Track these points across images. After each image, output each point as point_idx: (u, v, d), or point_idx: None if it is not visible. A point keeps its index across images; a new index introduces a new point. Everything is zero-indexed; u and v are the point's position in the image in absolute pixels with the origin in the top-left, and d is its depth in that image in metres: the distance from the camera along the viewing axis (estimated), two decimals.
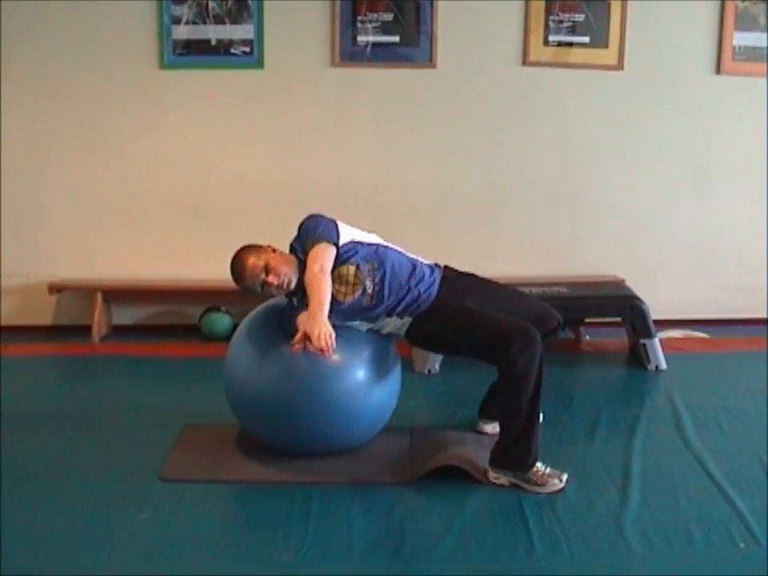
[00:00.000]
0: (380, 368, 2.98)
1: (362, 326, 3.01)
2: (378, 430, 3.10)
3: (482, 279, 3.19)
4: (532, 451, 2.78)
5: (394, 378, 3.08)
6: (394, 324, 3.01)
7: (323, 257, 2.84)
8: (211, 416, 3.39)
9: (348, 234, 2.99)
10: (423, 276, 3.02)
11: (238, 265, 2.92)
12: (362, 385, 2.91)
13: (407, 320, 2.99)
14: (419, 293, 2.97)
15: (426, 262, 3.13)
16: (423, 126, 4.87)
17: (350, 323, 2.97)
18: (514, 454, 2.78)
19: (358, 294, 2.91)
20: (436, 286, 3.02)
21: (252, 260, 2.88)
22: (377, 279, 2.93)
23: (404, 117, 4.86)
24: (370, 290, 2.92)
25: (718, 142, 4.98)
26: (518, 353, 2.72)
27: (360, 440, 3.06)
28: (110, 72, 4.71)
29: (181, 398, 3.76)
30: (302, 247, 2.93)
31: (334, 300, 2.85)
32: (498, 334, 2.79)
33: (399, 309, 2.96)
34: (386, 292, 2.93)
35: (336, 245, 2.90)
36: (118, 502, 2.69)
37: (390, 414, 3.12)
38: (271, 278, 2.86)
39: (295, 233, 3.00)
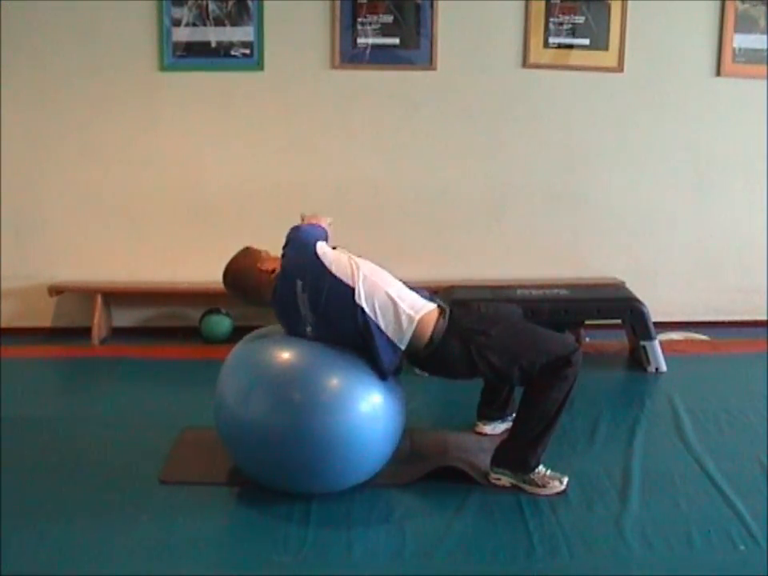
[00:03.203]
0: (382, 399, 2.73)
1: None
2: (380, 467, 2.83)
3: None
4: (537, 453, 2.78)
5: (398, 409, 2.82)
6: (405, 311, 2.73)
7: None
8: (211, 418, 3.38)
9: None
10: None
11: (232, 259, 2.92)
12: (363, 418, 2.67)
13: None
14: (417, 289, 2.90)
15: None
16: (423, 127, 4.87)
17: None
18: (520, 455, 2.78)
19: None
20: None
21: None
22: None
23: (404, 119, 4.86)
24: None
25: (718, 144, 4.98)
26: (574, 366, 2.71)
27: (360, 479, 2.79)
28: (109, 74, 4.71)
29: (181, 400, 3.76)
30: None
31: None
32: (563, 349, 2.74)
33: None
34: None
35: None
36: (117, 505, 2.69)
37: (394, 449, 2.86)
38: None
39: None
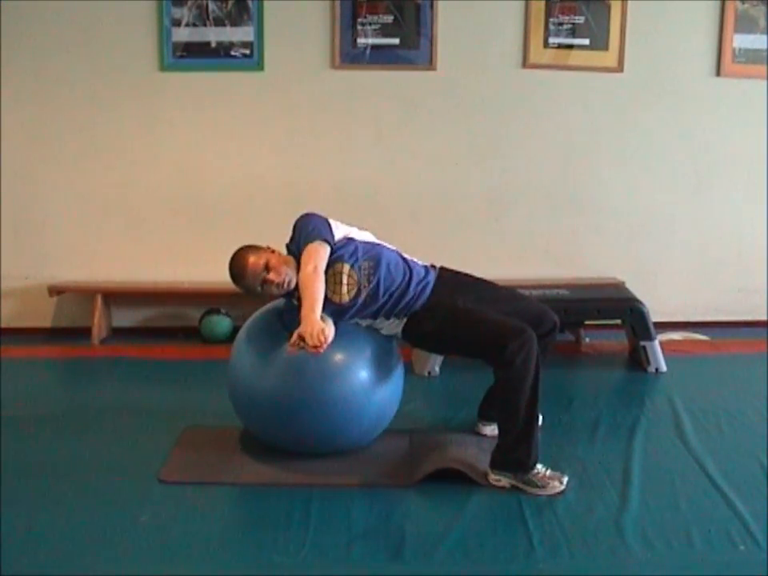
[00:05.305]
0: (382, 368, 2.99)
1: (361, 322, 3.02)
2: (381, 429, 3.11)
3: (479, 279, 3.18)
4: (532, 453, 2.78)
5: (397, 378, 3.09)
6: (390, 325, 3.02)
7: (316, 256, 2.84)
8: (211, 418, 3.40)
9: (341, 231, 3.00)
10: (418, 277, 3.02)
11: (238, 264, 2.93)
12: (365, 385, 2.92)
13: (403, 320, 3.00)
14: (414, 294, 2.97)
15: (421, 263, 3.12)
16: (423, 128, 4.87)
17: (346, 321, 2.98)
18: (515, 455, 2.78)
19: (353, 293, 2.91)
20: (430, 286, 3.02)
21: (252, 259, 2.90)
22: (372, 279, 2.93)
23: (404, 119, 4.86)
24: (364, 290, 2.92)
25: (717, 144, 4.98)
26: (515, 352, 2.72)
27: (362, 440, 3.07)
28: (110, 74, 4.71)
29: (180, 400, 3.76)
30: (297, 248, 2.93)
31: (329, 301, 2.86)
32: (493, 334, 2.79)
33: (396, 311, 2.97)
34: (381, 291, 2.93)
35: (329, 242, 2.89)
36: (117, 504, 2.69)
37: (393, 414, 3.13)
38: (272, 276, 2.87)
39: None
